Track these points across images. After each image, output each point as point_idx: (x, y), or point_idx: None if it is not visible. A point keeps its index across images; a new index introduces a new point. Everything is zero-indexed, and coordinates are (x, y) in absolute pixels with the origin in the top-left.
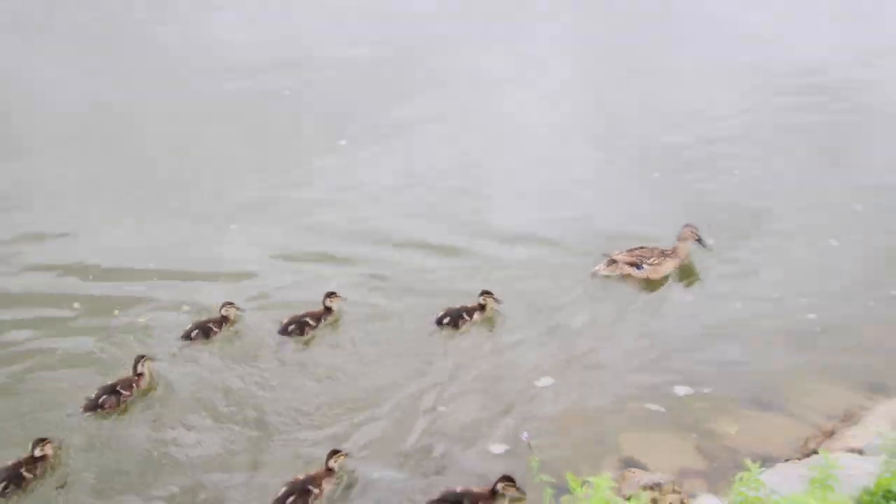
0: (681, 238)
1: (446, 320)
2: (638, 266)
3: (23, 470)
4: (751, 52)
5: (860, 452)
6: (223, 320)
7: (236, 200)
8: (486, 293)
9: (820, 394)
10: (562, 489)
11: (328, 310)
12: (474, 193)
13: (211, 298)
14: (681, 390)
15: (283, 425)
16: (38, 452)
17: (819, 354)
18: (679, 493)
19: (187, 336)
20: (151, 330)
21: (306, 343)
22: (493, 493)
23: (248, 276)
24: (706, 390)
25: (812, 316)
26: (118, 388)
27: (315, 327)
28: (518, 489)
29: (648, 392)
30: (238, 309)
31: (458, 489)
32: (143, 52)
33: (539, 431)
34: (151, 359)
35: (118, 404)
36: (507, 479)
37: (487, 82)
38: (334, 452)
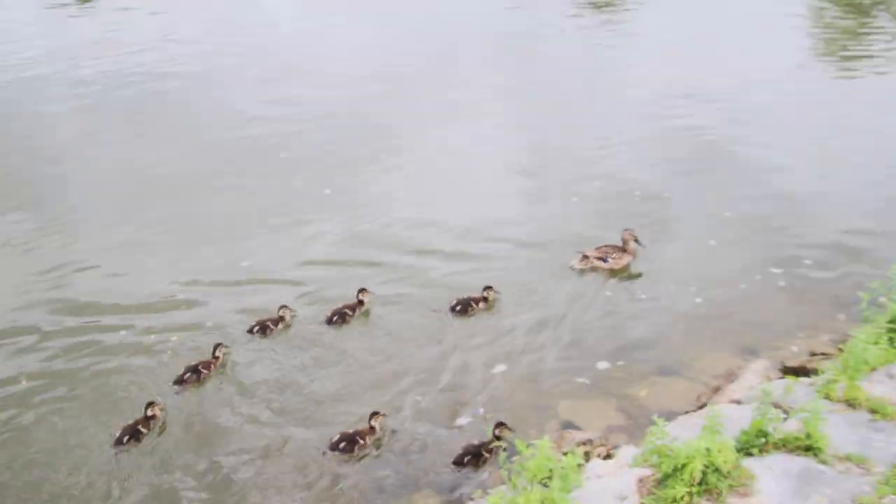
0: (623, 240)
1: (458, 308)
2: (604, 259)
3: (139, 427)
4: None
5: (739, 402)
6: (279, 319)
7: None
8: (488, 288)
9: (708, 360)
10: (513, 452)
11: (360, 302)
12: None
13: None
14: (602, 365)
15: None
16: (149, 412)
17: (706, 329)
18: (606, 445)
19: (250, 331)
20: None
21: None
22: (496, 437)
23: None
24: (620, 363)
25: (699, 300)
26: (199, 367)
27: (353, 316)
28: (510, 429)
29: (578, 369)
30: (291, 311)
31: (476, 442)
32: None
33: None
34: (227, 346)
35: (198, 380)
36: (501, 424)
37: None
38: (374, 414)
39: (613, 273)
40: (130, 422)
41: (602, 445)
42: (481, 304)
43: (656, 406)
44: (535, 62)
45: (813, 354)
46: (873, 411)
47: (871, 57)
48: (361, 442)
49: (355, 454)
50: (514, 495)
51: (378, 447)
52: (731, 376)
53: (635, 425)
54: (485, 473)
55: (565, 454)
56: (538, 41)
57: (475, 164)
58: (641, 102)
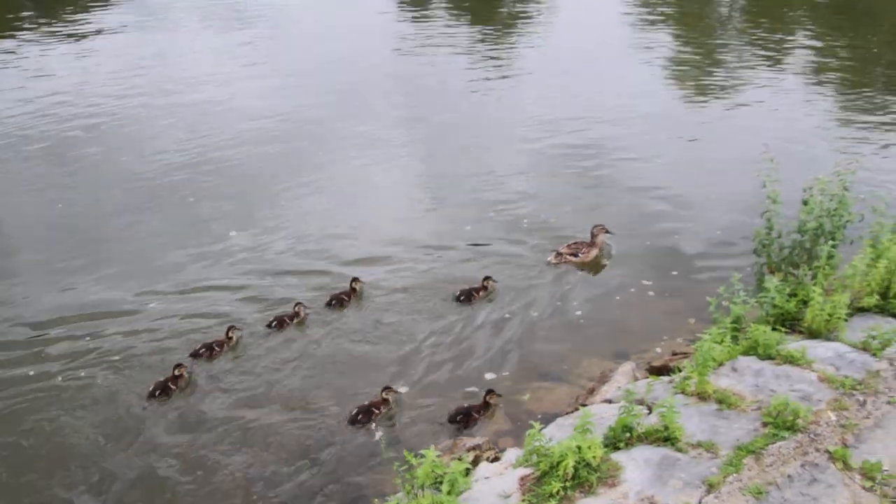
0: (594, 234)
1: (462, 297)
2: (575, 255)
3: (169, 383)
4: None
5: (610, 402)
6: (295, 315)
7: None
8: (487, 278)
9: (584, 364)
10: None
11: (353, 290)
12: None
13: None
14: (489, 375)
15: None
16: (176, 372)
17: (583, 337)
18: (493, 449)
19: (269, 325)
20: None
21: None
22: (486, 403)
23: None
24: (506, 373)
25: (578, 313)
26: (213, 344)
27: (348, 301)
28: (499, 395)
29: (470, 379)
30: (305, 307)
31: (465, 405)
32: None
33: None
34: (239, 329)
35: (211, 356)
36: (491, 391)
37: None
38: (386, 388)
39: (584, 265)
40: (161, 379)
41: (490, 449)
42: (482, 293)
43: (539, 409)
44: (432, 101)
45: (674, 354)
46: (720, 402)
47: (739, 83)
48: (376, 412)
49: (372, 422)
50: (409, 500)
51: (391, 417)
52: (604, 378)
53: (521, 428)
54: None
55: (459, 459)
56: (431, 82)
57: (385, 192)
58: (526, 135)
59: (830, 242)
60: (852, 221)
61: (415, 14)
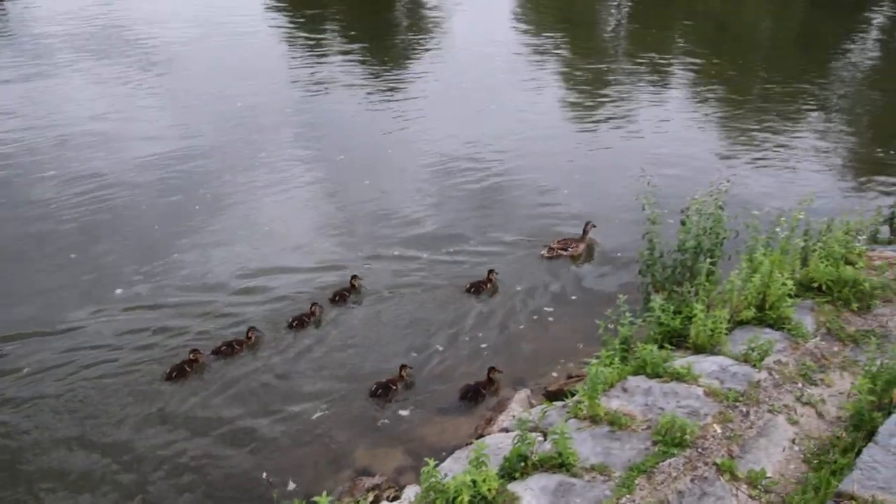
0: (586, 231)
1: (472, 289)
2: (565, 249)
3: (185, 366)
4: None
5: (507, 431)
6: (311, 314)
7: None
8: (492, 271)
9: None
10: None
11: (353, 286)
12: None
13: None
14: (402, 412)
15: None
16: (191, 356)
17: (482, 366)
18: (393, 487)
19: (289, 326)
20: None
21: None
22: (490, 379)
23: None
24: (412, 408)
25: (485, 345)
26: (234, 343)
27: (349, 297)
28: (500, 371)
29: (375, 416)
30: (320, 306)
31: (473, 382)
32: None
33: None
34: (258, 331)
35: (232, 353)
36: (493, 368)
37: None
38: (403, 366)
39: (574, 259)
40: (178, 362)
41: (390, 488)
42: (489, 286)
43: (441, 443)
44: (335, 134)
45: (569, 378)
46: (612, 423)
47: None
48: (394, 388)
49: (390, 397)
50: None
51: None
52: (501, 407)
53: (422, 464)
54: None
55: (357, 502)
56: (333, 117)
57: (293, 222)
58: (430, 164)
59: (709, 260)
60: (728, 238)
61: (310, 51)
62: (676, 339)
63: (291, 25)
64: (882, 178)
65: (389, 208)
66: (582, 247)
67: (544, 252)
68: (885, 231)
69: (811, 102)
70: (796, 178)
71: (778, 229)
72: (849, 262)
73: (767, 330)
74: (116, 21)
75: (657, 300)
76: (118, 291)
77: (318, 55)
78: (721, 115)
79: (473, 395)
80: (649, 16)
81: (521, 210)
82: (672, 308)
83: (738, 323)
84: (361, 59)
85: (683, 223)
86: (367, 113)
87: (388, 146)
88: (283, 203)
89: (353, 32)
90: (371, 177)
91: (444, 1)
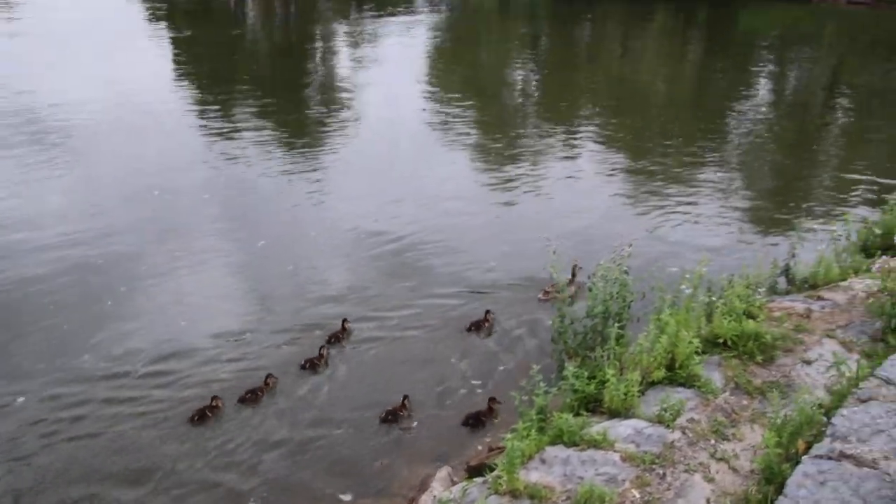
0: (574, 274)
1: (473, 328)
2: (559, 291)
3: (207, 411)
4: None
5: None
6: (320, 357)
7: None
8: (488, 312)
9: (406, 474)
10: None
11: (344, 329)
12: None
13: None
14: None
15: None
16: (213, 403)
17: (409, 445)
18: None
19: (302, 367)
20: None
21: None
22: (490, 409)
23: None
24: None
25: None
26: (256, 390)
27: (344, 338)
28: (499, 402)
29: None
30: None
31: (474, 412)
32: None
33: None
34: (275, 377)
35: (255, 399)
36: (493, 399)
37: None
38: (405, 396)
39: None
40: (200, 407)
41: None
42: (486, 325)
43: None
44: (249, 211)
45: (491, 450)
46: (532, 497)
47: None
48: (401, 413)
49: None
50: None
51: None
52: (423, 487)
53: None
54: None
55: None
56: (247, 195)
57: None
58: (351, 236)
59: (617, 324)
60: (635, 300)
61: (223, 127)
62: (592, 405)
63: (203, 102)
64: (777, 230)
65: (311, 283)
66: (572, 289)
67: (540, 295)
68: (782, 282)
69: (709, 159)
70: (699, 234)
71: (683, 287)
72: (750, 316)
73: (679, 388)
74: (18, 102)
75: (570, 367)
76: (20, 400)
77: (230, 132)
78: (626, 175)
79: (475, 422)
80: (555, 82)
81: (443, 271)
82: (586, 374)
83: (650, 384)
84: (275, 134)
85: (590, 290)
86: (282, 188)
87: (305, 222)
88: (201, 284)
89: (265, 108)
90: (291, 254)
91: (356, 76)
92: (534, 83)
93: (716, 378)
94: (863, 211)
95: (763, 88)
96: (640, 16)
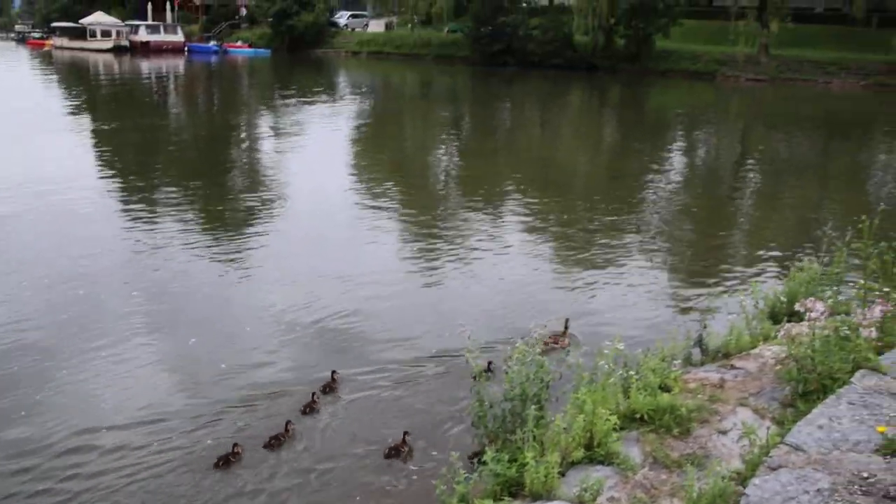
0: (566, 326)
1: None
2: (556, 342)
3: (230, 457)
4: None
5: None
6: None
7: None
8: (489, 362)
9: None
10: None
11: (334, 380)
12: None
13: None
14: None
15: None
16: (235, 450)
17: None
18: None
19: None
20: None
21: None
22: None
23: None
24: None
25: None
26: (278, 436)
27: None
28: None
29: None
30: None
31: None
32: None
33: None
34: (293, 423)
35: (279, 444)
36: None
37: None
38: (406, 433)
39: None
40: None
41: None
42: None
43: None
44: (175, 303)
45: None
46: None
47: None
48: (402, 449)
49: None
50: None
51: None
52: None
53: None
54: None
55: None
56: (172, 285)
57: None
58: (282, 320)
59: (535, 405)
60: (553, 380)
61: (146, 218)
62: (514, 489)
63: (124, 191)
64: (693, 300)
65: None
66: (566, 340)
67: (542, 346)
68: (697, 353)
69: (628, 234)
70: (621, 307)
71: (601, 363)
72: (666, 389)
73: (598, 467)
74: None
75: (490, 452)
76: None
77: (153, 220)
78: (551, 251)
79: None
80: (476, 163)
81: (365, 350)
82: (507, 457)
83: (570, 464)
84: (200, 221)
85: (507, 373)
86: (210, 277)
87: (231, 308)
88: (119, 378)
89: (189, 196)
90: (217, 343)
91: (281, 161)
92: (456, 164)
93: (634, 454)
94: (771, 277)
95: (676, 161)
96: (556, 95)
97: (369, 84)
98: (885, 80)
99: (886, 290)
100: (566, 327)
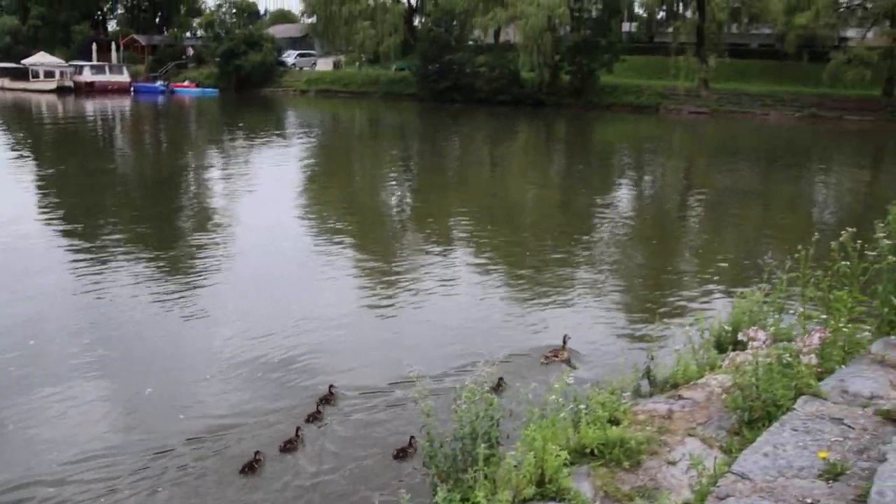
0: (565, 342)
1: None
2: (556, 356)
3: (253, 464)
4: None
5: None
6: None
7: None
8: (500, 378)
9: None
10: None
11: (332, 394)
12: None
13: None
14: None
15: None
16: (257, 457)
17: None
18: None
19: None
20: None
21: None
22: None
23: None
24: None
25: None
26: (291, 440)
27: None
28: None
29: None
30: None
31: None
32: None
33: None
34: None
35: (294, 447)
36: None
37: None
38: (412, 438)
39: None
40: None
41: None
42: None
43: None
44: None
45: None
46: None
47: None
48: (409, 450)
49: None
50: None
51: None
52: None
53: None
54: None
55: None
56: (123, 330)
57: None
58: (236, 362)
59: (486, 443)
60: (504, 417)
61: (93, 258)
62: None
63: (71, 236)
64: (642, 331)
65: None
66: (566, 353)
67: (543, 360)
68: (645, 384)
69: (580, 265)
70: (575, 338)
71: (552, 397)
72: (616, 422)
73: (550, 503)
74: None
75: (441, 491)
76: None
77: (102, 265)
78: (501, 284)
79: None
80: (428, 199)
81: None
82: (458, 497)
83: (522, 502)
84: (151, 264)
85: (456, 412)
86: (162, 323)
87: (184, 350)
88: (69, 433)
89: (139, 239)
90: (168, 385)
91: (231, 201)
92: (406, 200)
93: (585, 489)
94: (719, 305)
95: (623, 193)
96: (504, 131)
97: (318, 122)
98: (817, 112)
99: (824, 317)
100: (565, 342)
